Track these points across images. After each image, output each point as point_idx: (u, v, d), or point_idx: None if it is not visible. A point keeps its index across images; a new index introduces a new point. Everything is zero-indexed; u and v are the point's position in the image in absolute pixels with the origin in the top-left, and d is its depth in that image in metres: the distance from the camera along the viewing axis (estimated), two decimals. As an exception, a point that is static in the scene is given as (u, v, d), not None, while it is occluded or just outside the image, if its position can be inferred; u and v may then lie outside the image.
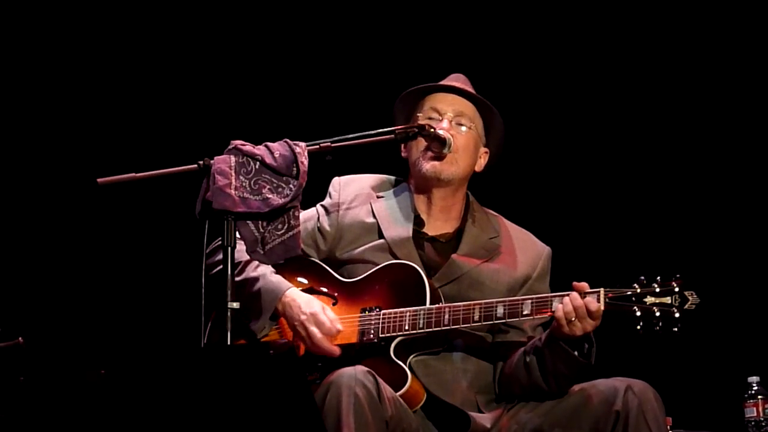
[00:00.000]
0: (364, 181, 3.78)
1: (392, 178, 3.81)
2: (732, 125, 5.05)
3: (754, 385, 4.24)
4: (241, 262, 3.48)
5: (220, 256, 3.14)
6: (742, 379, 4.27)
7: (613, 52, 5.10)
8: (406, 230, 3.64)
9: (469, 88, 3.72)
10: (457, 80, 3.74)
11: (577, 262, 3.85)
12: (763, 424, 4.18)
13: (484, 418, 3.46)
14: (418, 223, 3.68)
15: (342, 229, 3.67)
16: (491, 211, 3.78)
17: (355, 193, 3.73)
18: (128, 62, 5.13)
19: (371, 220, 3.67)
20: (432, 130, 3.53)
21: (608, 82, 5.12)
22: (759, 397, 4.21)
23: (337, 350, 3.44)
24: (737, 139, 5.04)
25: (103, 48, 5.11)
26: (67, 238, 5.05)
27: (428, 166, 3.62)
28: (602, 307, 3.31)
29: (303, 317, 3.43)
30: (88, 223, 5.03)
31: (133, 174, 3.12)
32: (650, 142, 5.10)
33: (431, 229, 3.69)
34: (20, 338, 3.39)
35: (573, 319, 3.31)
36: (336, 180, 3.76)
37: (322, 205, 3.73)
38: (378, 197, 3.73)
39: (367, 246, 3.63)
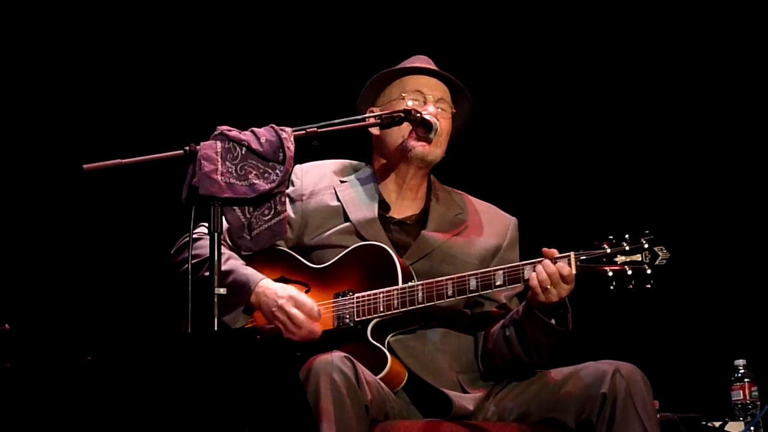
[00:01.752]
0: (326, 166, 3.77)
1: (354, 162, 3.80)
2: (695, 79, 5.06)
3: (741, 368, 4.25)
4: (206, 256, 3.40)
5: (190, 252, 3.12)
6: (728, 362, 4.29)
7: (559, 14, 5.11)
8: (371, 212, 3.63)
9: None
10: (428, 63, 3.72)
11: (543, 229, 3.84)
12: (750, 407, 4.20)
13: (467, 400, 3.45)
14: (384, 207, 3.68)
15: (307, 216, 3.65)
16: (454, 189, 3.79)
17: (317, 179, 3.72)
18: (114, 48, 5.11)
19: (336, 203, 3.66)
20: (419, 115, 3.52)
21: (557, 43, 5.12)
22: (745, 380, 4.23)
23: (320, 329, 3.43)
24: (702, 94, 5.05)
25: (89, 34, 5.09)
26: (53, 224, 5.04)
27: (417, 148, 3.61)
28: (574, 271, 3.31)
29: (281, 301, 3.41)
30: (75, 209, 5.01)
31: (119, 160, 3.11)
32: (604, 102, 5.11)
33: (397, 212, 3.69)
34: (6, 325, 3.38)
35: (548, 286, 3.31)
36: (297, 167, 3.72)
37: (285, 194, 3.70)
38: (341, 182, 3.71)
39: (333, 230, 3.62)
